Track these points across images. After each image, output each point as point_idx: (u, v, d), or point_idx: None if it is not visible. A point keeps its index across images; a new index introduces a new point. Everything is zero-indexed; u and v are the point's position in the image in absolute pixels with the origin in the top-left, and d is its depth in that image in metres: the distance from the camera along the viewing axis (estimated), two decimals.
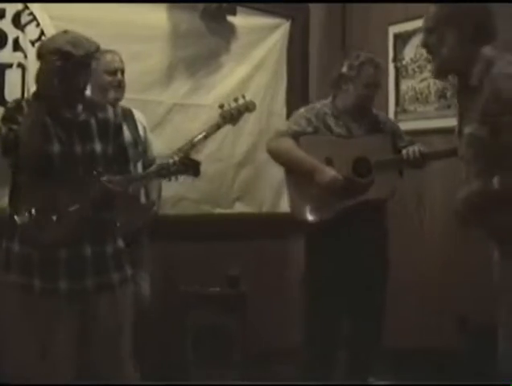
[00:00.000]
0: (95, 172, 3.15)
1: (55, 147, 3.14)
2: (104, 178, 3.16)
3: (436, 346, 4.45)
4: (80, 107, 3.20)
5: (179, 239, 4.44)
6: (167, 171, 3.33)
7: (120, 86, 3.87)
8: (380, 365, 4.00)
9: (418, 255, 4.86)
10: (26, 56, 3.88)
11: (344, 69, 3.88)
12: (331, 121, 3.89)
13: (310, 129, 3.89)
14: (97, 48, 3.14)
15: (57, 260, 3.13)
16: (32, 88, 3.91)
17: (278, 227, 4.82)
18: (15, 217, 3.12)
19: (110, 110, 3.32)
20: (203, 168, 4.62)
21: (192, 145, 4.25)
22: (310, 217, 3.81)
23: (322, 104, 3.99)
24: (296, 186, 3.91)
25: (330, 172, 3.73)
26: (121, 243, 3.30)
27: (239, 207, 5.03)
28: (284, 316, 4.78)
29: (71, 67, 3.10)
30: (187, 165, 3.38)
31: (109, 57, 3.85)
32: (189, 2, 4.68)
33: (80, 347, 3.20)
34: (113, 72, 3.83)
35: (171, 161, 3.36)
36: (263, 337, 4.60)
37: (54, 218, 3.14)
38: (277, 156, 3.99)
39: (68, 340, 3.16)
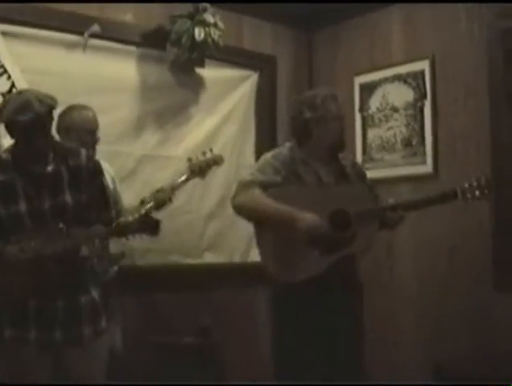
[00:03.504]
0: (60, 226, 3.10)
1: (22, 206, 3.13)
2: (73, 232, 3.11)
3: None
4: (49, 158, 3.18)
5: (149, 289, 4.43)
6: (127, 229, 3.19)
7: (97, 144, 3.90)
8: None
9: (389, 303, 4.89)
10: None
11: (308, 113, 3.62)
12: (300, 169, 3.60)
13: (278, 179, 3.56)
14: (51, 106, 3.11)
15: (27, 311, 3.12)
16: (3, 139, 3.93)
17: (248, 277, 4.81)
18: None
19: (83, 154, 3.26)
20: (172, 220, 4.67)
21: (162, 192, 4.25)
22: (290, 277, 3.48)
23: (288, 149, 3.69)
24: (271, 245, 3.55)
25: (311, 216, 3.40)
26: (95, 294, 3.25)
27: (209, 258, 5.00)
28: (256, 365, 4.75)
29: (25, 132, 3.11)
30: (147, 223, 3.25)
31: (89, 115, 3.88)
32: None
33: None
34: (93, 132, 3.85)
35: (130, 218, 3.19)
36: None
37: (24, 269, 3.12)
38: (245, 210, 3.62)
39: None
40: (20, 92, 3.20)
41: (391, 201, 3.54)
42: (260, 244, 3.64)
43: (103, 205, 3.30)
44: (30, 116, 3.05)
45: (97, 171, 3.31)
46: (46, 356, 3.16)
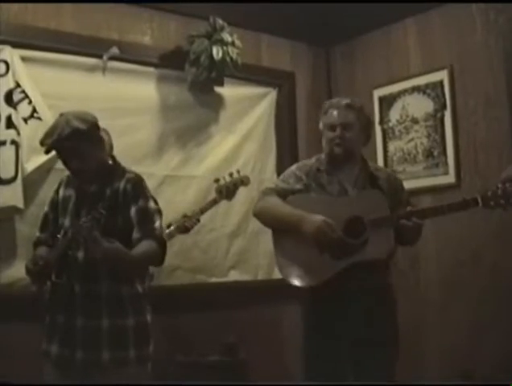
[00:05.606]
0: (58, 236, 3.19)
1: (67, 221, 3.25)
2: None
3: None
4: (96, 178, 3.27)
5: (175, 309, 4.43)
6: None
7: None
8: None
9: (414, 310, 4.87)
10: (19, 133, 3.93)
11: (320, 122, 3.68)
12: (324, 179, 3.59)
13: (298, 187, 3.58)
14: (74, 128, 3.13)
15: (54, 325, 3.20)
16: (26, 164, 3.98)
17: (272, 294, 4.78)
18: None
19: (126, 177, 3.28)
20: (197, 239, 4.68)
21: (188, 219, 4.25)
22: (301, 282, 3.49)
23: (315, 160, 3.69)
24: (285, 250, 3.55)
25: (319, 219, 3.36)
26: (130, 320, 3.21)
27: (234, 276, 5.00)
28: (282, 381, 4.73)
29: (57, 153, 3.27)
30: None
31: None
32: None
33: None
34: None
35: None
36: None
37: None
38: (261, 215, 3.66)
39: None
40: (61, 114, 3.26)
41: (409, 208, 3.49)
42: (275, 250, 3.63)
43: (144, 223, 3.22)
44: (51, 140, 3.17)
45: (137, 195, 3.26)
46: (68, 375, 3.16)
